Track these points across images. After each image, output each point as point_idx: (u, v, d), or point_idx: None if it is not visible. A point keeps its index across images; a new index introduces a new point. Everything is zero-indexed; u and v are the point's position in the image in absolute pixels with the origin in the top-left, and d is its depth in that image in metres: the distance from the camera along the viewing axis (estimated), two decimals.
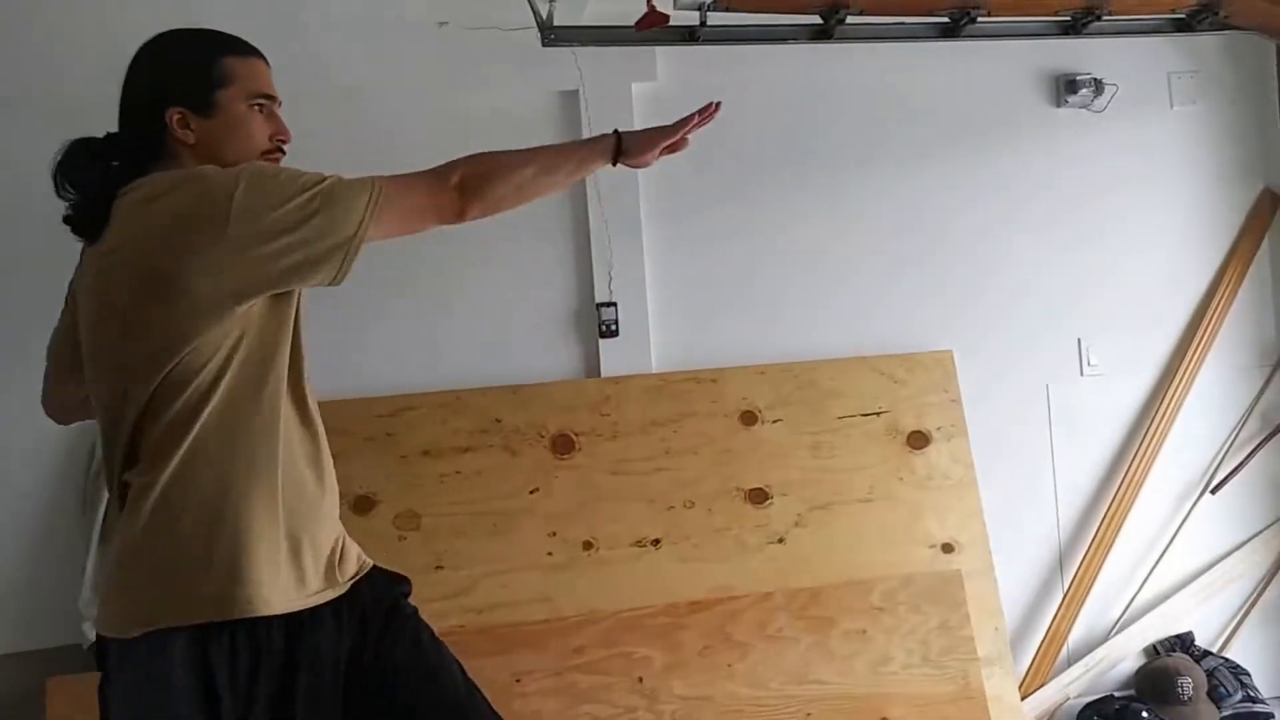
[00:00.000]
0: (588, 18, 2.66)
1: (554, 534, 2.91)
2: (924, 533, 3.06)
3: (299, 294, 1.53)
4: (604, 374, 3.06)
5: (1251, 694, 3.22)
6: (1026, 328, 3.31)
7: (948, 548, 3.06)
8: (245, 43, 1.57)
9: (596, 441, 2.98)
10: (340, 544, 1.60)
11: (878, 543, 3.05)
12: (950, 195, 3.28)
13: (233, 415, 1.45)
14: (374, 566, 1.65)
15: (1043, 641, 3.25)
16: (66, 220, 1.51)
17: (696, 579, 2.94)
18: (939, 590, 2.99)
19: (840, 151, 3.24)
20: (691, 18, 2.62)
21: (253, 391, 1.46)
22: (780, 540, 3.02)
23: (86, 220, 1.49)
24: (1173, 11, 2.98)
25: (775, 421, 3.09)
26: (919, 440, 3.11)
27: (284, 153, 1.58)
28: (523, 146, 1.66)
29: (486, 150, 1.60)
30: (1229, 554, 3.41)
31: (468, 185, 1.56)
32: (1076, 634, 3.29)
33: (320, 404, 2.84)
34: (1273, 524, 3.45)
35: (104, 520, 2.61)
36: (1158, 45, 3.33)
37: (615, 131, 1.67)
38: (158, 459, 1.43)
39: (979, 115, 3.31)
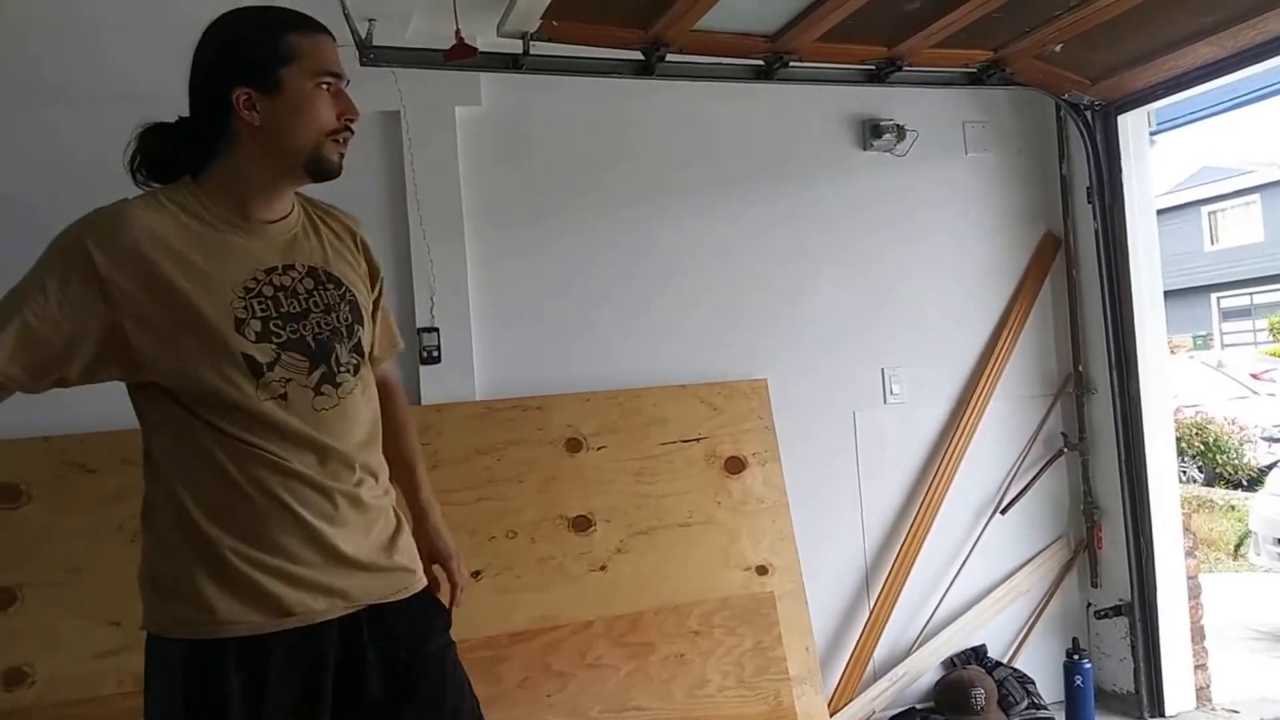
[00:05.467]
0: (410, 38, 2.62)
1: None
2: (739, 556, 3.14)
3: None
4: (424, 402, 2.99)
5: (1036, 701, 3.47)
6: (835, 358, 3.47)
7: (762, 570, 3.15)
8: (310, 19, 1.49)
9: None
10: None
11: (696, 567, 3.10)
12: (765, 230, 3.41)
13: None
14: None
15: (850, 659, 3.38)
16: None
17: (518, 609, 2.90)
18: (753, 612, 3.07)
19: (663, 181, 3.31)
20: (515, 45, 2.63)
21: None
22: (603, 568, 3.03)
23: None
24: (966, 66, 3.24)
25: (600, 448, 3.10)
26: (736, 465, 3.19)
27: (352, 132, 1.49)
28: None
29: None
30: (1016, 570, 3.66)
31: None
32: (881, 650, 3.44)
33: (113, 434, 2.69)
34: (1055, 541, 3.73)
35: None
36: (954, 96, 3.58)
37: None
38: None
39: (793, 155, 3.46)
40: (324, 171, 1.48)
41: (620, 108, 3.23)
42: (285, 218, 1.52)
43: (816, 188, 3.47)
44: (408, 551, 1.59)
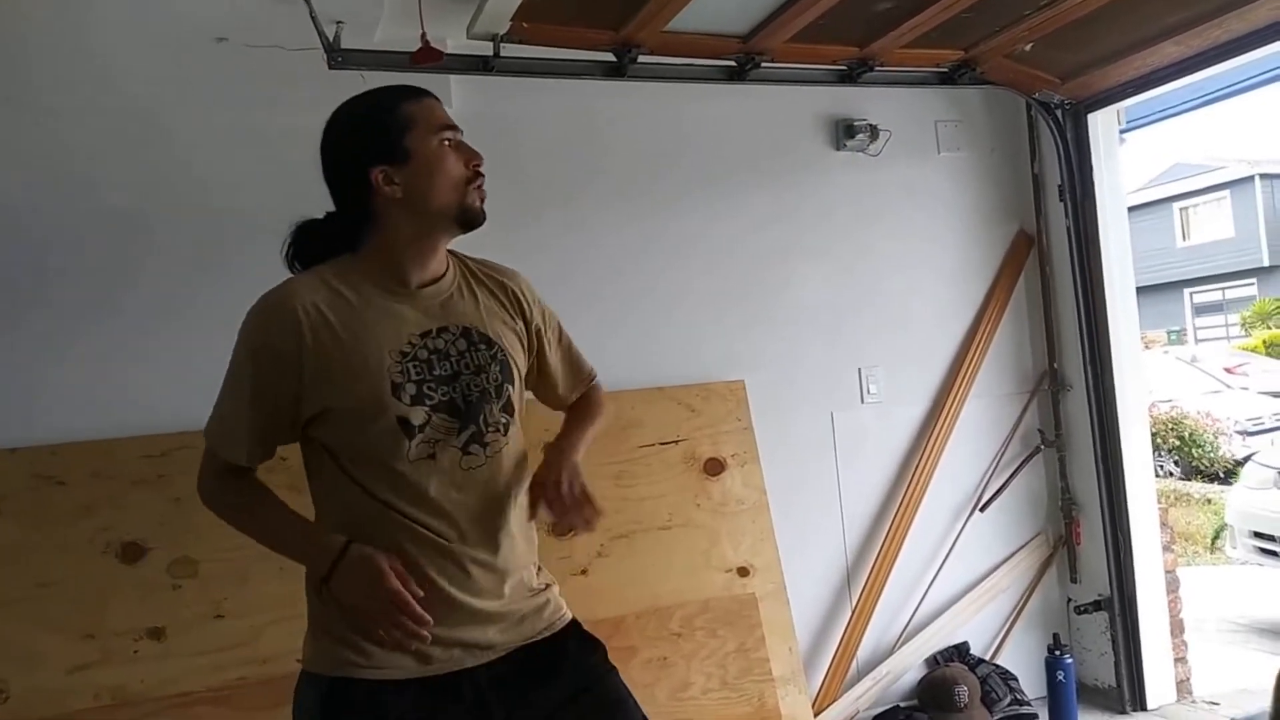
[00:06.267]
0: (378, 42, 2.60)
1: None
2: (720, 557, 3.13)
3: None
4: None
5: (1019, 697, 3.48)
6: (812, 359, 3.47)
7: (743, 571, 3.14)
8: (412, 86, 1.60)
9: None
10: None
11: (677, 569, 3.08)
12: (740, 231, 3.40)
13: None
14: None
15: (833, 658, 3.38)
16: None
17: None
18: (735, 614, 3.06)
19: (637, 184, 3.29)
20: (485, 48, 2.62)
21: None
22: (583, 572, 3.01)
23: None
24: (937, 66, 3.25)
25: None
26: (715, 467, 3.19)
27: (483, 175, 1.58)
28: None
29: (236, 485, 1.58)
30: (997, 567, 3.67)
31: (204, 496, 1.61)
32: (864, 649, 3.44)
33: (82, 446, 2.65)
34: (1033, 538, 3.75)
35: None
36: (926, 96, 3.59)
37: (334, 564, 1.47)
38: None
39: (767, 156, 3.45)
40: (471, 219, 1.56)
41: (592, 110, 3.21)
42: (440, 279, 1.59)
43: (791, 188, 3.46)
44: (551, 590, 1.68)
